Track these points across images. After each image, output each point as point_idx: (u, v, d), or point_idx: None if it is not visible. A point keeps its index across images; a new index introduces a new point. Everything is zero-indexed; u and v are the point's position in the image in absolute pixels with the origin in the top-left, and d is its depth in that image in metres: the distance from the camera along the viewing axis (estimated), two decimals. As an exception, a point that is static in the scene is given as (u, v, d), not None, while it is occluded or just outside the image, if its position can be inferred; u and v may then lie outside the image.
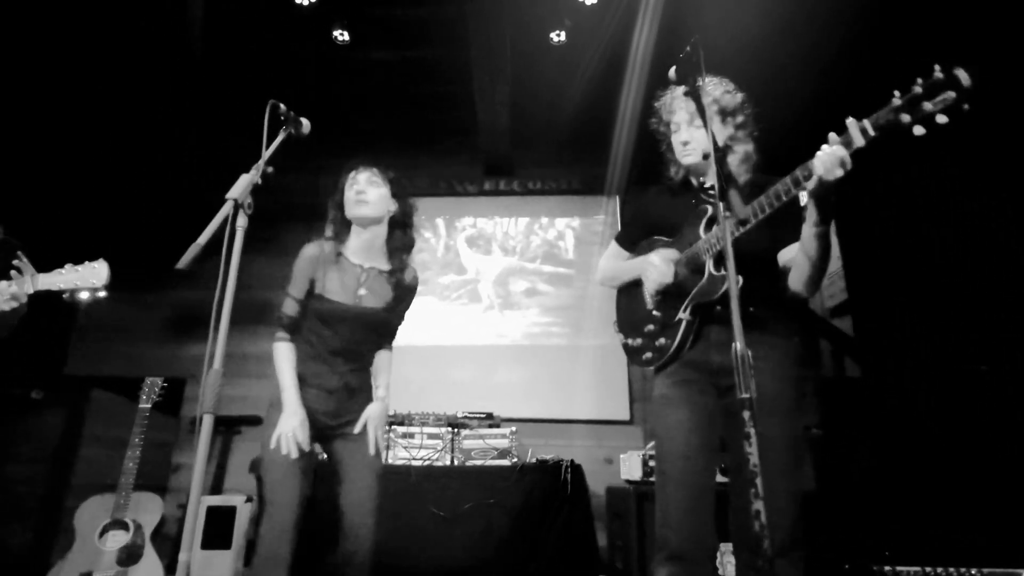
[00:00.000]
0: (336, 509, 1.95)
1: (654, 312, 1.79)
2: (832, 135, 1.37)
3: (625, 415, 4.43)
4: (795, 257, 1.59)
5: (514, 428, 3.72)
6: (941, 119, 1.22)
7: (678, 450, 1.65)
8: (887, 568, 2.43)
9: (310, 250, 2.04)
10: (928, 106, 1.23)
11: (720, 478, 1.82)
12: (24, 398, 3.48)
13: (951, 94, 1.20)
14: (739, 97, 1.79)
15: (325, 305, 1.99)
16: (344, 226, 2.10)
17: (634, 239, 1.98)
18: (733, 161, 1.73)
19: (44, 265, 2.00)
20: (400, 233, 2.13)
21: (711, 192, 1.71)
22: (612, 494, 3.79)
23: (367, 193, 2.04)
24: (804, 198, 1.45)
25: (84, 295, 2.00)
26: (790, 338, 1.68)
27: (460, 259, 4.98)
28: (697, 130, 1.74)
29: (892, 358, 3.49)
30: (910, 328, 3.35)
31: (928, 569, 2.42)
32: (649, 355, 1.79)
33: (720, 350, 1.66)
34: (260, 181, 1.60)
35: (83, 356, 4.76)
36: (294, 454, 1.84)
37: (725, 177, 1.33)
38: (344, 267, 2.06)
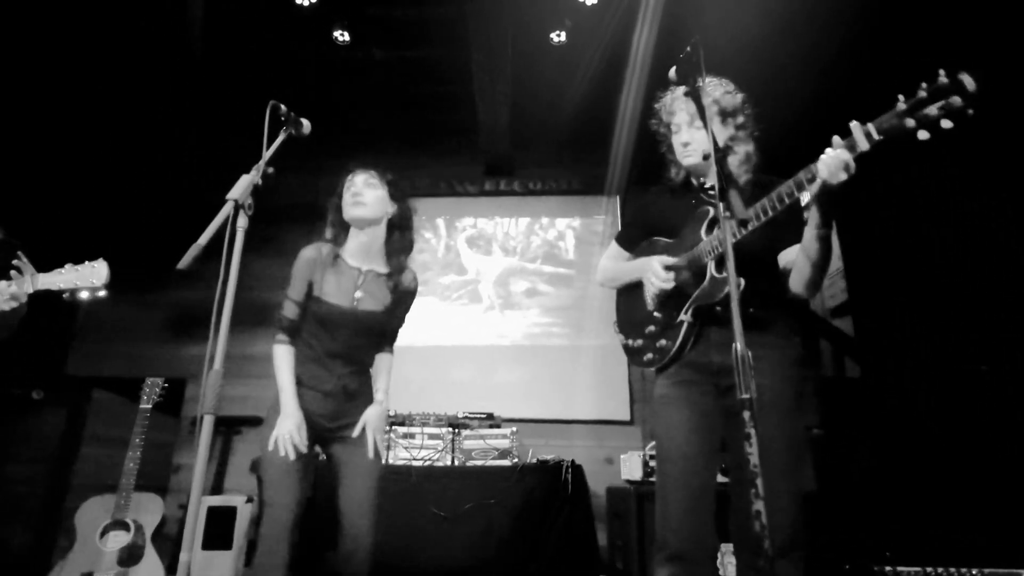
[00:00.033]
0: (335, 511, 1.95)
1: (655, 313, 1.79)
2: (836, 138, 1.36)
3: (625, 415, 4.43)
4: (796, 259, 1.59)
5: (515, 428, 3.72)
6: (946, 124, 1.22)
7: (678, 450, 1.65)
8: (888, 568, 2.43)
9: (308, 252, 2.05)
10: (933, 111, 1.22)
11: (721, 478, 1.82)
12: (25, 398, 3.48)
13: (956, 99, 1.20)
14: (739, 97, 1.78)
15: (323, 308, 2.00)
16: (342, 229, 2.10)
17: (634, 240, 1.97)
18: (733, 162, 1.73)
19: (44, 265, 2.00)
20: (398, 235, 2.13)
21: (711, 193, 1.71)
22: (612, 494, 3.80)
23: (363, 195, 2.04)
24: (805, 198, 1.44)
25: (84, 295, 1.99)
26: (790, 338, 1.68)
27: (460, 259, 4.98)
28: (697, 131, 1.74)
29: (892, 358, 3.48)
30: (910, 328, 3.35)
31: (929, 569, 2.42)
32: (650, 356, 1.79)
33: (720, 351, 1.66)
34: (260, 182, 1.60)
35: (84, 356, 4.76)
36: (291, 456, 1.85)
37: (725, 178, 1.33)
38: (342, 270, 2.06)
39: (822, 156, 1.36)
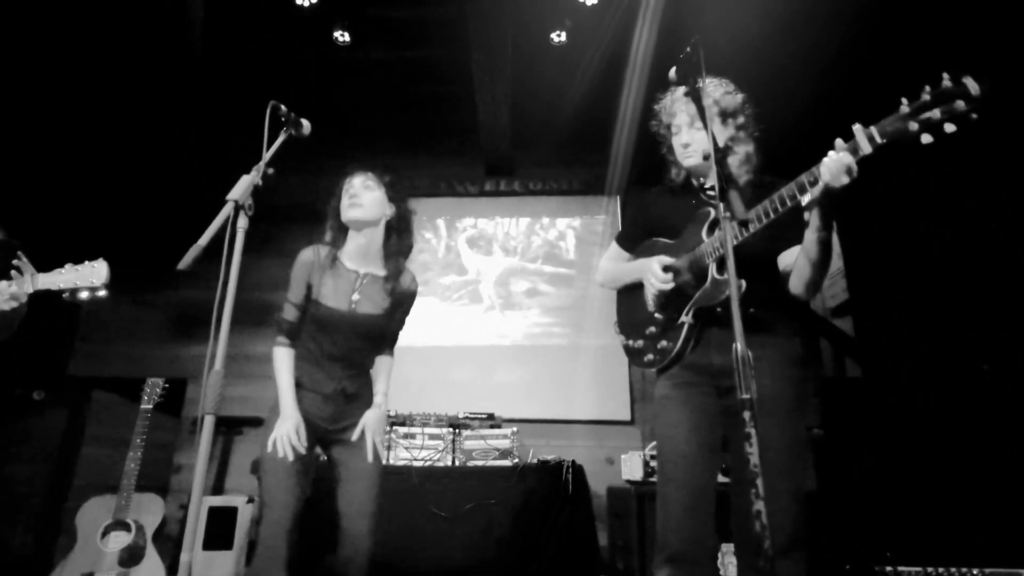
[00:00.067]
0: (335, 512, 1.96)
1: (655, 314, 1.79)
2: (839, 141, 1.36)
3: (626, 415, 4.43)
4: (796, 260, 1.59)
5: (515, 428, 3.72)
6: (949, 128, 1.21)
7: (679, 451, 1.66)
8: (888, 568, 2.43)
9: (305, 255, 2.05)
10: (936, 115, 1.22)
11: (722, 478, 1.82)
12: (26, 399, 3.49)
13: (960, 103, 1.20)
14: (739, 98, 1.78)
15: (321, 311, 2.00)
16: (341, 231, 2.10)
17: (635, 240, 1.97)
18: (734, 162, 1.73)
19: (44, 265, 2.00)
20: (396, 237, 2.12)
21: (712, 193, 1.71)
22: (613, 494, 3.80)
23: (360, 197, 2.04)
24: (806, 200, 1.44)
25: (84, 295, 1.99)
26: (790, 338, 1.68)
27: (461, 260, 4.98)
28: (698, 132, 1.74)
29: (893, 358, 3.48)
30: (910, 328, 3.35)
31: (929, 569, 2.42)
32: (651, 357, 1.79)
33: (721, 352, 1.66)
34: (261, 182, 1.61)
35: (85, 357, 4.76)
36: (290, 457, 1.85)
37: (726, 178, 1.32)
38: (340, 273, 2.06)
39: (824, 159, 1.36)
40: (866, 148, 1.32)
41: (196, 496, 1.32)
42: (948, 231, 3.18)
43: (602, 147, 4.65)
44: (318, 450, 2.04)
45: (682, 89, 1.63)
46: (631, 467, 3.35)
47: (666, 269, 1.73)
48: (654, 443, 1.98)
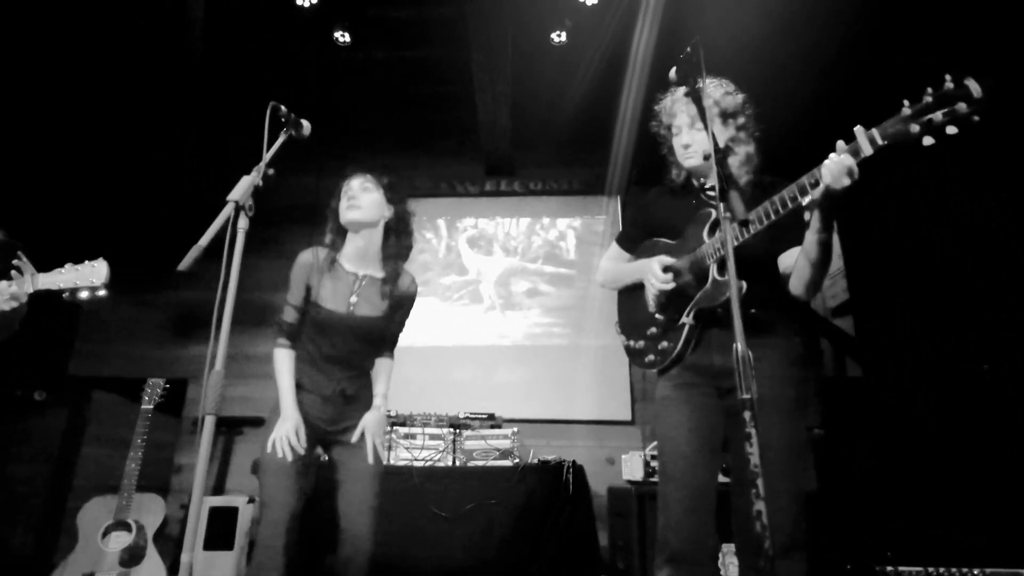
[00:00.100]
0: (335, 513, 1.96)
1: (656, 315, 1.79)
2: (840, 143, 1.36)
3: (627, 415, 4.43)
4: (796, 261, 1.59)
5: (516, 429, 3.72)
6: (951, 130, 1.21)
7: (679, 451, 1.66)
8: (889, 568, 2.43)
9: (304, 257, 2.06)
10: (938, 117, 1.22)
11: (722, 478, 1.82)
12: (27, 399, 3.49)
13: (962, 105, 1.19)
14: (740, 98, 1.78)
15: (320, 314, 2.01)
16: (340, 233, 2.11)
17: (635, 240, 1.97)
18: (734, 162, 1.73)
19: (44, 265, 2.00)
20: (395, 239, 2.13)
21: (712, 193, 1.70)
22: (614, 494, 3.80)
23: (359, 199, 2.05)
24: (807, 200, 1.44)
25: (84, 294, 1.99)
26: (791, 339, 1.68)
27: (461, 260, 4.98)
28: (698, 133, 1.74)
29: (893, 358, 3.48)
30: (911, 328, 3.35)
31: (930, 569, 2.42)
32: (652, 358, 1.80)
33: (722, 352, 1.66)
34: (261, 183, 1.61)
35: (85, 357, 4.77)
36: (289, 457, 1.86)
37: (726, 179, 1.32)
38: (338, 275, 2.06)
39: (826, 161, 1.36)
40: (867, 150, 1.31)
41: (197, 496, 1.32)
42: (949, 232, 3.18)
43: (602, 147, 4.64)
44: (319, 450, 2.05)
45: (682, 90, 1.63)
46: (632, 467, 3.35)
47: (666, 270, 1.73)
48: (655, 443, 1.98)
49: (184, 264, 1.40)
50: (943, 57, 3.00)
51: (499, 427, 3.79)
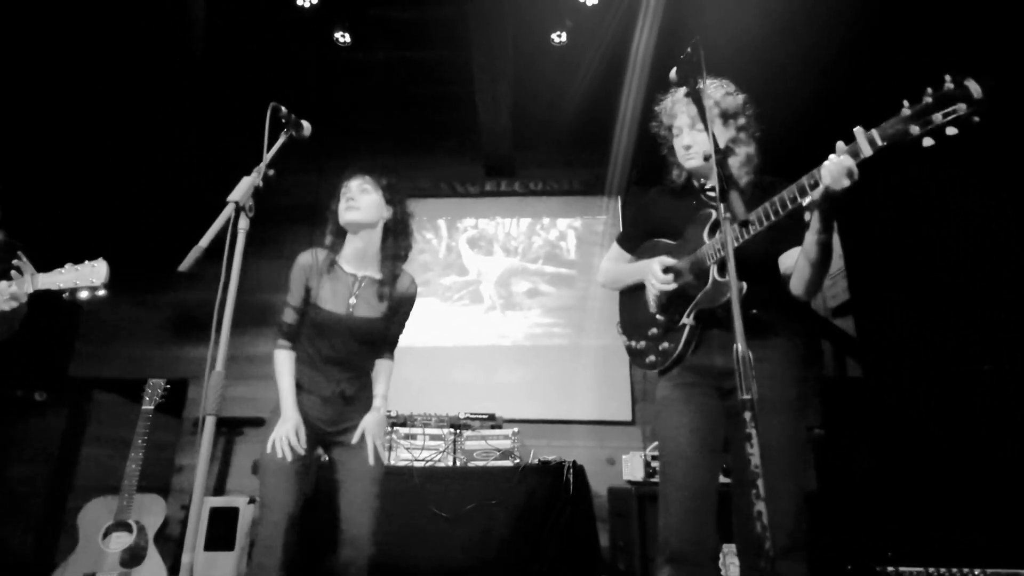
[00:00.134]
0: (336, 513, 1.96)
1: (657, 316, 1.79)
2: (840, 144, 1.35)
3: (627, 416, 4.43)
4: (796, 262, 1.59)
5: (516, 429, 3.72)
6: (951, 131, 1.21)
7: (680, 451, 1.66)
8: (889, 569, 2.43)
9: (303, 259, 2.07)
10: (938, 118, 1.21)
11: (723, 479, 1.82)
12: (27, 399, 3.49)
13: (962, 106, 1.19)
14: (740, 99, 1.78)
15: (320, 315, 2.01)
16: (339, 235, 2.11)
17: (635, 241, 1.97)
18: (735, 163, 1.73)
19: (44, 265, 2.00)
20: (394, 240, 2.13)
21: (712, 194, 1.70)
22: (614, 495, 3.80)
23: (358, 200, 2.05)
24: (807, 201, 1.44)
25: (84, 294, 2.00)
26: (791, 339, 1.68)
27: (462, 260, 4.98)
28: (699, 133, 1.74)
29: (894, 358, 3.48)
30: (911, 328, 3.35)
31: (931, 570, 2.42)
32: (653, 359, 1.80)
33: (723, 353, 1.66)
34: (261, 183, 1.61)
35: (86, 358, 4.77)
36: (288, 458, 1.86)
37: (726, 179, 1.32)
38: (337, 276, 2.07)
39: (825, 162, 1.36)
40: (867, 151, 1.31)
41: (197, 497, 1.32)
42: (948, 232, 3.18)
43: (602, 147, 4.64)
44: (319, 451, 2.05)
45: (683, 90, 1.63)
46: (632, 467, 3.35)
47: (667, 270, 1.73)
48: (655, 443, 1.99)
49: (184, 265, 1.40)
50: (943, 57, 3.00)
51: (499, 427, 3.79)
